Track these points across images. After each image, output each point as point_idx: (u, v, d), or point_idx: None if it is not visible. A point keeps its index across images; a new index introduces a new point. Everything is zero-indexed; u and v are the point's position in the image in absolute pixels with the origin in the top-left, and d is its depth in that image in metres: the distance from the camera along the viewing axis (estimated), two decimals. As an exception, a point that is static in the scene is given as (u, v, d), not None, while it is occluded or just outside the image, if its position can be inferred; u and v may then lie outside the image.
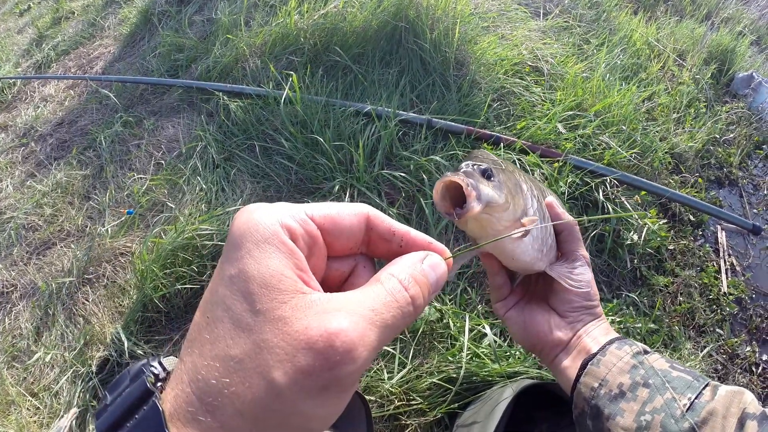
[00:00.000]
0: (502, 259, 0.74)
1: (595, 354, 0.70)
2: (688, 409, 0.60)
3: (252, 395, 0.32)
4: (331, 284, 0.44)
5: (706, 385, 0.63)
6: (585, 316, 0.77)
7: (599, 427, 0.66)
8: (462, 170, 0.60)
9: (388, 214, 1.74)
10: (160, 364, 0.39)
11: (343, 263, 0.44)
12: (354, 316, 0.34)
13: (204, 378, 0.33)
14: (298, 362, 0.32)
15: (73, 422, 1.55)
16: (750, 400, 0.60)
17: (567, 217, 0.79)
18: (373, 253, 0.46)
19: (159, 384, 0.37)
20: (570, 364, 0.74)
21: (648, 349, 0.70)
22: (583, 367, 0.70)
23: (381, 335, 0.35)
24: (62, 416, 1.61)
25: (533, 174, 1.96)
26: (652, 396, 0.63)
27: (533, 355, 1.56)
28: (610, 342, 0.71)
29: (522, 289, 0.85)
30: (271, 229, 0.36)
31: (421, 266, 0.41)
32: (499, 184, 0.63)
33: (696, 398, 0.61)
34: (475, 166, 0.62)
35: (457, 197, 0.59)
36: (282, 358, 0.32)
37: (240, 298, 0.34)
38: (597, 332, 0.75)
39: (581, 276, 0.76)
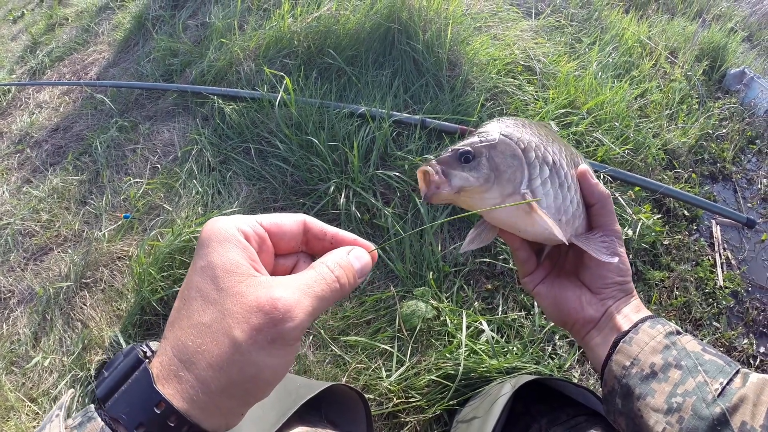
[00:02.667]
0: (514, 232, 0.72)
1: (628, 331, 0.69)
2: (719, 394, 0.60)
3: (218, 350, 0.43)
4: (278, 275, 0.52)
5: (737, 372, 0.63)
6: (617, 292, 0.75)
7: (629, 406, 0.66)
8: (439, 156, 0.65)
9: (384, 214, 1.76)
10: (148, 345, 0.49)
11: (287, 259, 0.56)
12: (291, 288, 0.46)
13: (182, 342, 0.44)
14: (251, 321, 0.43)
15: (69, 401, 1.55)
16: None
17: (600, 188, 0.76)
18: (311, 251, 0.57)
19: (147, 359, 0.46)
20: (601, 342, 0.73)
21: (680, 329, 0.69)
22: (615, 344, 0.69)
23: (313, 302, 0.46)
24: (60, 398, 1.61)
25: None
26: (684, 378, 0.63)
27: (530, 352, 1.57)
28: (643, 320, 0.70)
29: (550, 263, 0.83)
30: (230, 232, 0.48)
31: (347, 257, 0.52)
32: (477, 165, 0.65)
33: (727, 384, 0.61)
34: (453, 151, 0.65)
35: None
36: (240, 320, 0.43)
37: (208, 281, 0.46)
38: (628, 309, 0.73)
39: (612, 249, 0.73)
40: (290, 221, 0.54)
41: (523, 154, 0.67)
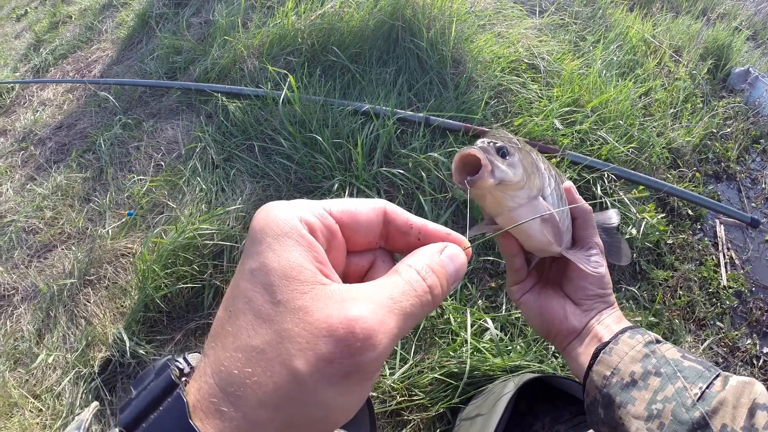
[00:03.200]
0: (521, 238, 0.74)
1: (608, 342, 0.71)
2: (699, 398, 0.61)
3: (274, 385, 0.32)
4: (351, 278, 0.44)
5: (717, 376, 0.64)
6: (599, 303, 0.77)
7: (610, 415, 0.66)
8: (478, 146, 0.62)
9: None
10: (185, 359, 0.39)
11: (363, 258, 0.45)
12: (373, 304, 0.35)
13: (227, 369, 0.34)
14: (319, 350, 0.32)
15: (93, 417, 1.56)
16: (761, 391, 0.61)
17: (584, 204, 0.79)
18: (392, 247, 0.46)
19: (183, 378, 0.38)
20: (582, 351, 0.75)
21: (660, 338, 0.71)
22: (596, 355, 0.71)
23: (400, 322, 0.35)
24: (81, 412, 1.61)
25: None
26: (663, 385, 0.64)
27: (534, 350, 1.57)
28: (623, 331, 0.72)
29: (537, 274, 0.85)
30: (291, 224, 0.37)
31: (439, 257, 0.41)
32: (514, 162, 0.64)
33: (707, 388, 0.62)
34: (491, 143, 0.63)
35: (473, 173, 0.61)
36: (303, 346, 0.33)
37: (261, 290, 0.35)
38: (609, 320, 0.75)
39: (597, 262, 0.76)
40: (367, 209, 0.43)
41: (536, 163, 0.69)
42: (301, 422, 0.33)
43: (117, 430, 0.36)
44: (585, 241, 0.78)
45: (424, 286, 0.38)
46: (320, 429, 0.35)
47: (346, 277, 0.44)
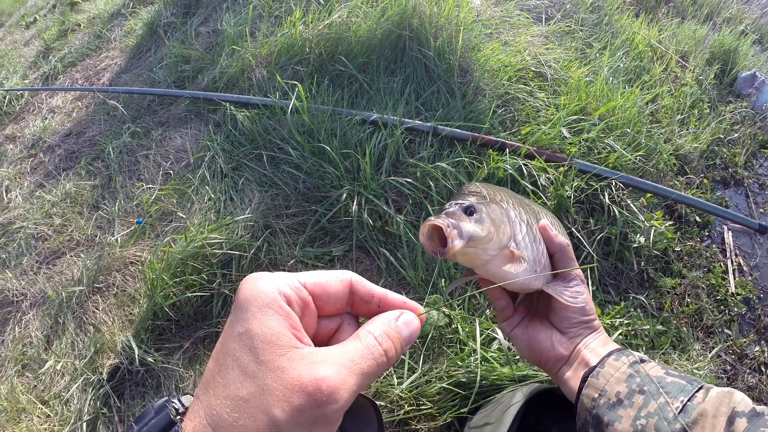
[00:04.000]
0: (501, 283, 0.78)
1: (595, 367, 0.75)
2: (680, 411, 0.64)
3: (257, 428, 0.40)
4: (321, 338, 0.53)
5: (700, 388, 0.68)
6: (584, 330, 0.83)
7: None
8: (445, 210, 0.70)
9: (396, 222, 1.76)
10: (180, 401, 0.47)
11: (331, 321, 0.53)
12: (336, 366, 0.43)
13: (218, 413, 0.41)
14: (293, 402, 0.40)
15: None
16: (740, 400, 0.64)
17: (560, 239, 0.85)
18: (356, 313, 0.54)
19: (179, 417, 0.45)
20: (572, 375, 0.79)
21: (645, 358, 0.75)
22: (584, 379, 0.75)
23: (359, 380, 0.43)
24: None
25: (539, 178, 1.97)
26: (647, 401, 0.67)
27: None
28: (609, 354, 0.77)
29: (524, 308, 0.91)
30: (271, 296, 0.45)
31: (395, 323, 0.49)
32: (481, 218, 0.71)
33: (688, 401, 0.66)
34: (457, 205, 0.70)
35: (443, 236, 0.67)
36: (281, 398, 0.41)
37: (247, 351, 0.43)
38: (595, 344, 0.81)
39: (576, 293, 0.82)
40: (335, 282, 0.51)
41: (506, 212, 0.76)
42: None
43: None
44: (565, 274, 0.84)
45: (380, 350, 0.46)
46: None
47: (317, 337, 0.52)
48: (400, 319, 0.50)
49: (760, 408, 0.63)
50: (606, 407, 0.70)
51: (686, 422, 0.63)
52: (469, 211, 0.69)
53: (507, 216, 0.75)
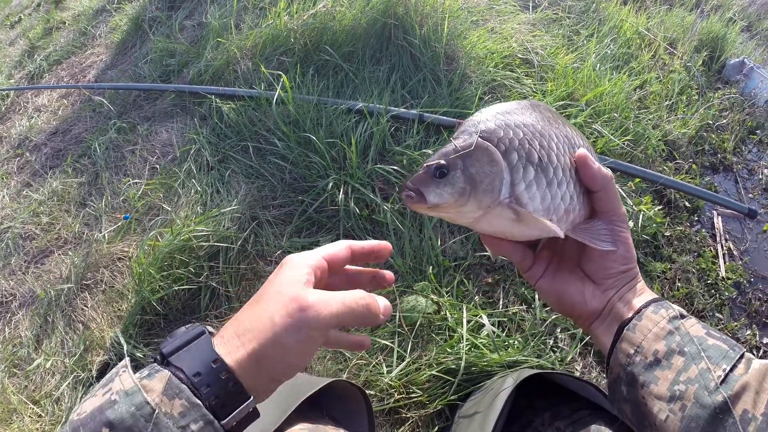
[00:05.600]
0: (505, 237, 0.70)
1: (631, 318, 0.68)
2: (722, 381, 0.59)
3: (262, 328, 0.56)
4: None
5: (741, 356, 0.62)
6: (621, 280, 0.72)
7: (634, 393, 0.65)
8: (417, 172, 0.65)
9: (383, 210, 1.75)
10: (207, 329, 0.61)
11: (337, 278, 0.72)
12: (325, 295, 0.58)
13: (241, 322, 0.58)
14: (288, 308, 0.56)
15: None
16: None
17: (602, 173, 0.70)
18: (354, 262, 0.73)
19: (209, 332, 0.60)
20: (605, 330, 0.72)
21: (685, 312, 0.68)
22: (619, 332, 0.68)
23: (339, 307, 0.58)
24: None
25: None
26: (687, 365, 0.62)
27: (532, 345, 1.56)
28: (647, 305, 0.68)
29: (549, 253, 0.78)
30: (301, 263, 0.63)
31: (380, 299, 0.65)
32: (452, 179, 0.63)
33: (731, 370, 0.60)
34: (428, 166, 0.63)
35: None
36: (280, 308, 0.57)
37: (274, 287, 0.60)
38: (631, 295, 0.71)
39: (616, 236, 0.70)
40: (342, 249, 0.68)
41: (503, 157, 0.63)
42: (270, 354, 0.55)
43: (157, 357, 0.56)
44: (606, 213, 0.72)
45: (363, 296, 0.62)
46: (281, 365, 0.57)
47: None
48: (382, 300, 0.65)
49: None
50: (642, 366, 0.64)
51: (728, 395, 0.58)
52: (438, 172, 0.63)
53: (499, 165, 0.63)
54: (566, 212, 0.68)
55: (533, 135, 0.66)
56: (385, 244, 0.72)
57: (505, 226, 0.66)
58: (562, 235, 0.66)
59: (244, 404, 0.55)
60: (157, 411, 0.51)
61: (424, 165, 0.64)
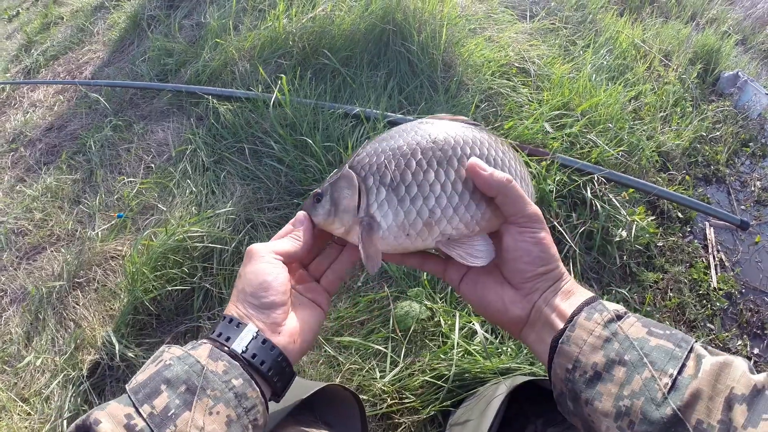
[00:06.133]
0: (392, 251, 0.77)
1: (564, 329, 0.64)
2: (670, 389, 0.55)
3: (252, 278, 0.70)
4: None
5: (690, 352, 0.58)
6: (541, 283, 0.69)
7: (579, 410, 0.62)
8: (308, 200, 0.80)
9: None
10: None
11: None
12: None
13: (240, 289, 0.71)
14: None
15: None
16: (738, 376, 0.54)
17: (495, 178, 0.69)
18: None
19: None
20: (537, 339, 0.69)
21: (621, 311, 0.64)
22: (553, 348, 0.65)
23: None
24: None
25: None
26: (629, 376, 0.58)
27: (525, 352, 1.57)
28: (578, 311, 0.65)
29: None
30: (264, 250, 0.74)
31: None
32: (322, 203, 0.76)
33: (678, 373, 0.56)
34: (314, 193, 0.78)
35: None
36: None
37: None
38: (558, 300, 0.68)
39: (531, 237, 0.69)
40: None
41: (362, 181, 0.74)
42: (254, 281, 0.70)
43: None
44: (515, 216, 0.70)
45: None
46: (261, 286, 0.69)
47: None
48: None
49: (761, 381, 0.54)
50: (583, 382, 0.61)
51: (678, 405, 0.54)
52: (316, 198, 0.77)
53: (355, 188, 0.74)
54: (426, 225, 0.72)
55: (393, 157, 0.73)
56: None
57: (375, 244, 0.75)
58: (428, 246, 0.74)
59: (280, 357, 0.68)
60: (205, 368, 0.62)
61: (312, 192, 0.80)
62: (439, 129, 0.75)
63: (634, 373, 0.58)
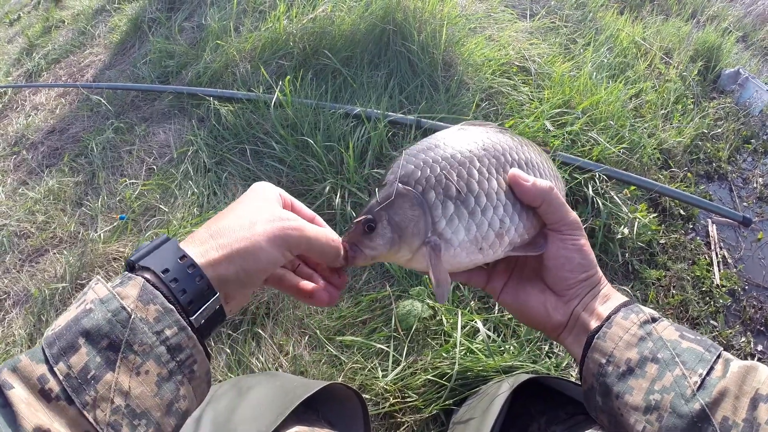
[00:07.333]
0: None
1: (601, 326, 0.66)
2: (698, 387, 0.57)
3: (240, 230, 0.59)
4: None
5: (718, 357, 0.60)
6: (582, 289, 0.71)
7: (609, 404, 0.64)
8: (348, 230, 0.69)
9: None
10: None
11: None
12: (303, 219, 0.66)
13: (219, 225, 0.60)
14: (270, 219, 0.62)
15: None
16: (764, 378, 0.57)
17: (537, 188, 0.69)
18: None
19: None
20: (574, 341, 0.71)
21: (656, 315, 0.66)
22: (589, 341, 0.66)
23: (317, 233, 0.64)
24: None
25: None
26: (661, 372, 0.60)
27: (527, 350, 1.57)
28: (616, 311, 0.67)
29: (505, 265, 0.77)
30: (271, 188, 0.69)
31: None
32: (381, 232, 0.66)
33: (707, 374, 0.58)
34: (357, 223, 0.67)
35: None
36: (264, 218, 0.61)
37: (252, 195, 0.68)
38: (596, 303, 0.70)
39: (571, 244, 0.70)
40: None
41: (423, 197, 0.66)
42: (244, 256, 0.58)
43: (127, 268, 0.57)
44: (557, 224, 0.71)
45: (337, 240, 0.67)
46: (253, 268, 0.59)
47: None
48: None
49: None
50: (615, 376, 0.62)
51: (706, 402, 0.56)
52: (367, 227, 0.66)
53: (421, 206, 0.66)
54: (498, 236, 0.68)
55: (451, 167, 0.67)
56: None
57: (438, 263, 0.67)
58: (499, 256, 0.70)
59: (211, 300, 0.57)
60: (133, 316, 0.51)
61: (354, 220, 0.68)
62: (482, 135, 0.72)
63: (665, 371, 0.60)
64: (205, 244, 0.58)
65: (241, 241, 0.58)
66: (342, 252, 0.68)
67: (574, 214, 0.71)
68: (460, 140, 0.70)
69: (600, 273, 0.72)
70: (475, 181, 0.67)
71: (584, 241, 0.71)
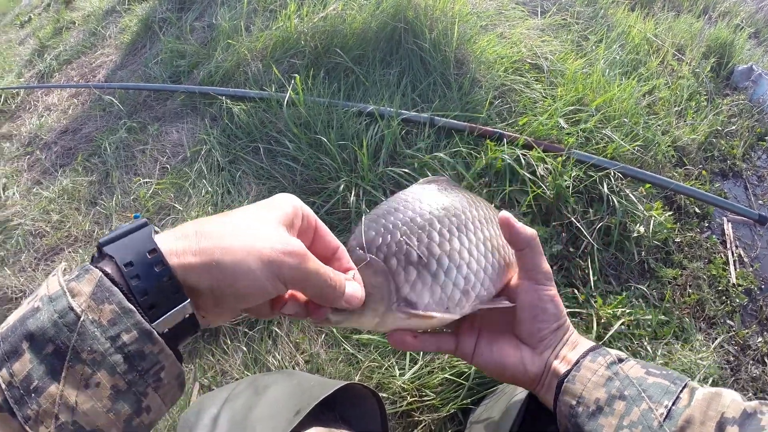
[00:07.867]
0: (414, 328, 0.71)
1: (570, 370, 0.69)
2: (665, 417, 0.60)
3: (231, 237, 0.51)
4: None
5: (684, 387, 0.63)
6: (554, 339, 0.73)
7: None
8: None
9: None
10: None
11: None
12: (309, 252, 0.57)
13: (207, 226, 0.52)
14: (271, 239, 0.53)
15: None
16: (729, 402, 0.59)
17: (526, 233, 0.71)
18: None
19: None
20: (547, 390, 0.72)
21: (623, 356, 0.69)
22: (559, 385, 0.69)
23: (317, 268, 0.56)
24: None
25: (537, 168, 1.95)
26: (628, 408, 0.63)
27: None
28: (584, 355, 0.70)
29: (470, 324, 0.77)
30: (294, 206, 0.60)
31: (348, 279, 0.63)
32: None
33: (673, 404, 0.61)
34: None
35: None
36: (265, 235, 0.53)
37: (259, 207, 0.59)
38: (565, 350, 0.73)
39: (545, 294, 0.72)
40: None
41: (385, 264, 0.66)
42: (229, 268, 0.49)
43: (89, 263, 0.49)
44: (532, 270, 0.72)
45: (336, 279, 0.59)
46: (233, 287, 0.50)
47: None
48: (353, 285, 0.62)
49: (751, 407, 0.59)
50: (586, 416, 0.65)
51: (673, 431, 0.59)
52: None
53: (384, 273, 0.66)
54: (464, 293, 0.69)
55: (411, 232, 0.68)
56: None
57: (405, 325, 0.68)
58: (457, 317, 0.69)
59: (178, 307, 0.48)
60: (83, 318, 0.44)
61: None
62: (439, 196, 0.74)
63: (633, 406, 0.63)
64: (185, 241, 0.50)
65: (226, 253, 0.49)
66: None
67: (547, 264, 0.73)
68: (416, 203, 0.72)
69: (568, 321, 0.75)
70: (436, 244, 0.69)
71: (555, 291, 0.74)
